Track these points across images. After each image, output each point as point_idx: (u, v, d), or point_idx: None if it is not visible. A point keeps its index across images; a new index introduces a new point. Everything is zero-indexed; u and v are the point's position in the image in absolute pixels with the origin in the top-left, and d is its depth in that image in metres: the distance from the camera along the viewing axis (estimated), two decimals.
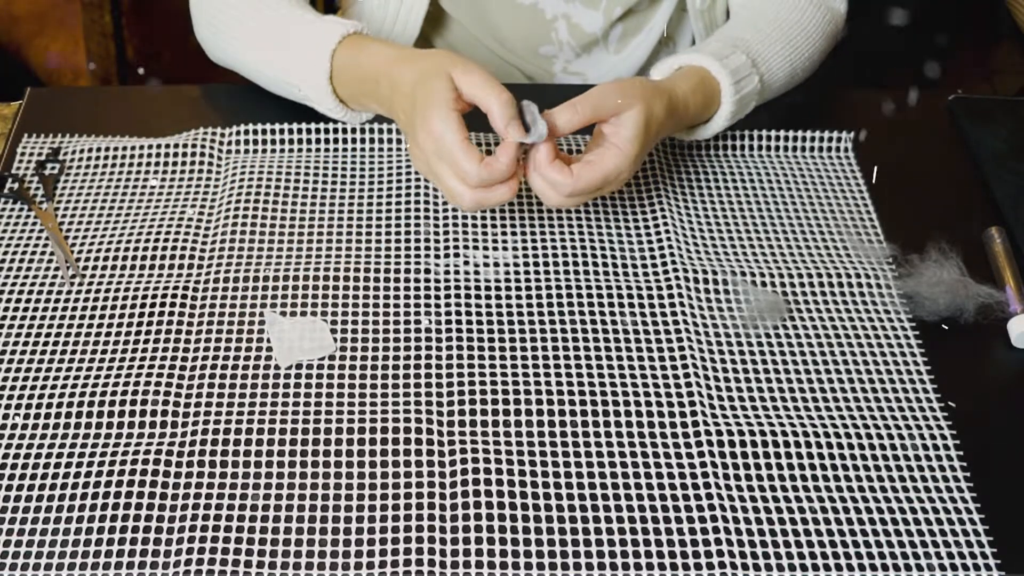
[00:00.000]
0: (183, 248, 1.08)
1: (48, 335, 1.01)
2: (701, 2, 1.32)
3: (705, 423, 0.96)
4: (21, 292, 1.04)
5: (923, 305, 1.05)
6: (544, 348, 1.01)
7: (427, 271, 1.07)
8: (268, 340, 1.01)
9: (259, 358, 1.00)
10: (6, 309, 1.03)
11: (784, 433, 0.95)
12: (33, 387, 0.97)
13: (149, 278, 1.05)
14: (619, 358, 1.01)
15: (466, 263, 1.08)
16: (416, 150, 1.04)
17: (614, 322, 1.03)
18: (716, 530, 0.89)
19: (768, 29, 1.19)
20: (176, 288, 1.04)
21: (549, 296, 1.05)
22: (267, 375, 0.98)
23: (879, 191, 1.17)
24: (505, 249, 1.09)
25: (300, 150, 1.18)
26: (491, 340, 1.02)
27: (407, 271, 1.07)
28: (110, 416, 0.95)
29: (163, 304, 1.03)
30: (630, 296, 1.06)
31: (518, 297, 1.05)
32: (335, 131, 1.18)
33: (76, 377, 0.98)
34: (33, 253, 1.08)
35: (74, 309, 1.03)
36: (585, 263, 1.08)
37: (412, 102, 1.03)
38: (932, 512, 0.91)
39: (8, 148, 1.18)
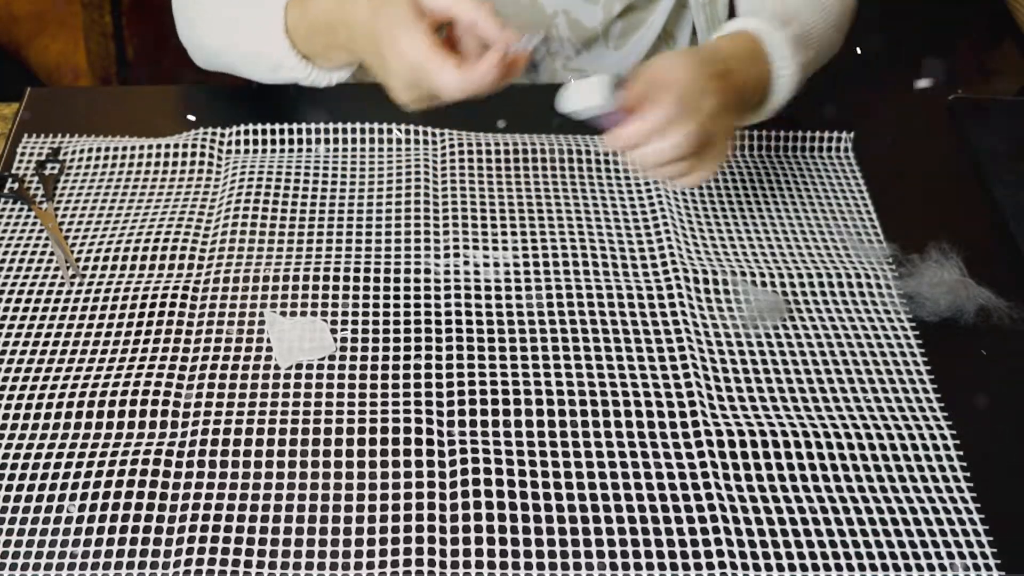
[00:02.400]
0: (183, 248, 1.08)
1: (48, 335, 1.01)
2: None
3: (705, 423, 0.96)
4: (21, 292, 1.04)
5: (923, 305, 1.05)
6: (544, 348, 1.01)
7: (427, 271, 1.07)
8: (268, 340, 1.01)
9: (259, 358, 1.00)
10: (6, 309, 1.03)
11: (784, 433, 0.95)
12: (33, 387, 0.97)
13: (149, 278, 1.05)
14: (619, 358, 1.01)
15: (466, 263, 1.08)
16: (398, 85, 0.98)
17: (614, 322, 1.03)
18: (716, 530, 0.89)
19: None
20: (176, 288, 1.04)
21: (549, 296, 1.05)
22: (267, 375, 0.98)
23: (879, 191, 1.17)
24: (505, 249, 1.09)
25: (300, 150, 1.18)
26: (491, 340, 1.02)
27: (407, 271, 1.07)
28: (110, 416, 0.95)
29: (163, 304, 1.03)
30: (630, 296, 1.06)
31: (518, 297, 1.05)
32: (335, 131, 1.18)
33: (76, 377, 0.98)
34: (33, 253, 1.08)
35: (74, 309, 1.03)
36: (585, 263, 1.08)
37: (375, 38, 0.98)
38: (932, 512, 0.91)
39: (8, 148, 1.18)
